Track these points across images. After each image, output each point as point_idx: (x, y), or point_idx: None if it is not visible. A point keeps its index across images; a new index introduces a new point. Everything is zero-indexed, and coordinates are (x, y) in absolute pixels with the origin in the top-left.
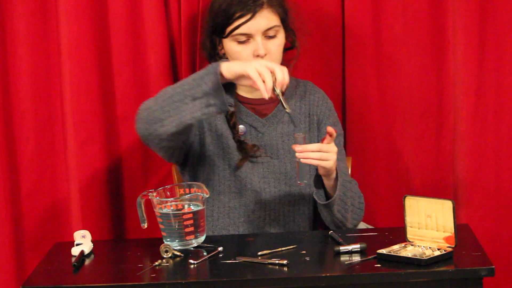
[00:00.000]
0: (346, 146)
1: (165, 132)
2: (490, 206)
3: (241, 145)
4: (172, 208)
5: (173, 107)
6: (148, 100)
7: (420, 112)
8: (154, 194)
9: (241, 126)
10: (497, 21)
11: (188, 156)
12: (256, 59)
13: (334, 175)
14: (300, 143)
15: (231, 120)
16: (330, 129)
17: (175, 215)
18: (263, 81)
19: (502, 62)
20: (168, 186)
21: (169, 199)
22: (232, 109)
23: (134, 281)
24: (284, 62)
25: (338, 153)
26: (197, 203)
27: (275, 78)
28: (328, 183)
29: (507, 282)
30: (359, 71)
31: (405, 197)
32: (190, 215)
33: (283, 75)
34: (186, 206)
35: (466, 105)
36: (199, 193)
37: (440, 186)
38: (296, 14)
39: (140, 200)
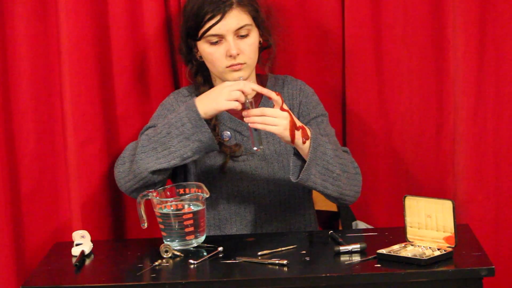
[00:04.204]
0: (346, 146)
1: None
2: (490, 206)
3: (221, 146)
4: (172, 208)
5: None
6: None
7: (420, 112)
8: (154, 194)
9: (226, 132)
10: (497, 21)
11: (176, 174)
12: (229, 59)
13: (303, 146)
14: (249, 108)
15: (211, 123)
16: (263, 91)
17: (175, 215)
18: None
19: (502, 62)
20: (168, 186)
21: (169, 199)
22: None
23: (134, 281)
24: (261, 61)
25: (323, 129)
26: (197, 203)
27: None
28: (306, 156)
29: (507, 282)
30: (359, 71)
31: (405, 197)
32: (190, 215)
33: (246, 87)
34: (186, 206)
35: (466, 105)
36: (199, 193)
37: (440, 186)
38: (269, 12)
39: (140, 200)
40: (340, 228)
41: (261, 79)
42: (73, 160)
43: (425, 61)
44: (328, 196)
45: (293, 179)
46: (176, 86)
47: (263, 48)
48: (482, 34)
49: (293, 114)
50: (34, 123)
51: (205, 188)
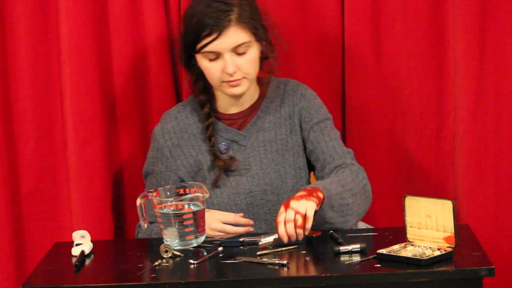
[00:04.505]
0: (346, 146)
1: None
2: (490, 206)
3: (215, 159)
4: (172, 208)
5: None
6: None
7: (420, 112)
8: (154, 194)
9: (223, 145)
10: (497, 21)
11: None
12: (226, 75)
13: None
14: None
15: (207, 133)
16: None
17: (175, 215)
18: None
19: (502, 62)
20: (168, 186)
21: (169, 199)
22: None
23: (134, 281)
24: (263, 67)
25: (326, 135)
26: (197, 203)
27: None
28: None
29: (507, 282)
30: (359, 71)
31: (405, 197)
32: (190, 215)
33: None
34: (186, 206)
35: (466, 105)
36: (199, 193)
37: (440, 186)
38: (272, 25)
39: (140, 200)
40: None
41: (262, 83)
42: (73, 160)
43: (425, 61)
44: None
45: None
46: (176, 85)
47: (266, 57)
48: (482, 34)
49: (293, 123)
50: (34, 123)
51: (205, 188)
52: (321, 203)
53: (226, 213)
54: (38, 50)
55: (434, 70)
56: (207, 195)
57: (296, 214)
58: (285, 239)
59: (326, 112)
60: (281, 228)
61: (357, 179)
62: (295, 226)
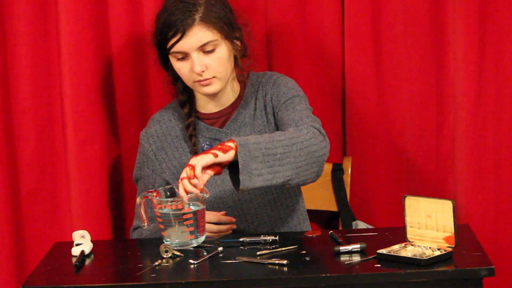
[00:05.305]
0: (346, 146)
1: None
2: (490, 206)
3: None
4: (172, 208)
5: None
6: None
7: (420, 112)
8: (154, 194)
9: (205, 145)
10: (497, 21)
11: None
12: (195, 75)
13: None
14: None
15: (188, 133)
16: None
17: (175, 215)
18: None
19: (502, 62)
20: (168, 186)
21: (169, 199)
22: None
23: (134, 281)
24: (241, 66)
25: (291, 109)
26: (197, 203)
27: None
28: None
29: (507, 282)
30: (359, 71)
31: (405, 197)
32: (190, 215)
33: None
34: (186, 206)
35: (466, 105)
36: (199, 193)
37: (440, 186)
38: (244, 23)
39: (140, 200)
40: (340, 228)
41: (242, 79)
42: (73, 160)
43: (425, 61)
44: (289, 181)
45: (237, 189)
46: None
47: (243, 55)
48: (482, 34)
49: (267, 112)
50: (34, 123)
51: (205, 188)
52: (231, 151)
53: (209, 212)
54: (38, 50)
55: (434, 70)
56: (207, 195)
57: (189, 168)
58: (185, 198)
59: (297, 91)
60: (179, 186)
61: (297, 133)
62: (189, 179)
